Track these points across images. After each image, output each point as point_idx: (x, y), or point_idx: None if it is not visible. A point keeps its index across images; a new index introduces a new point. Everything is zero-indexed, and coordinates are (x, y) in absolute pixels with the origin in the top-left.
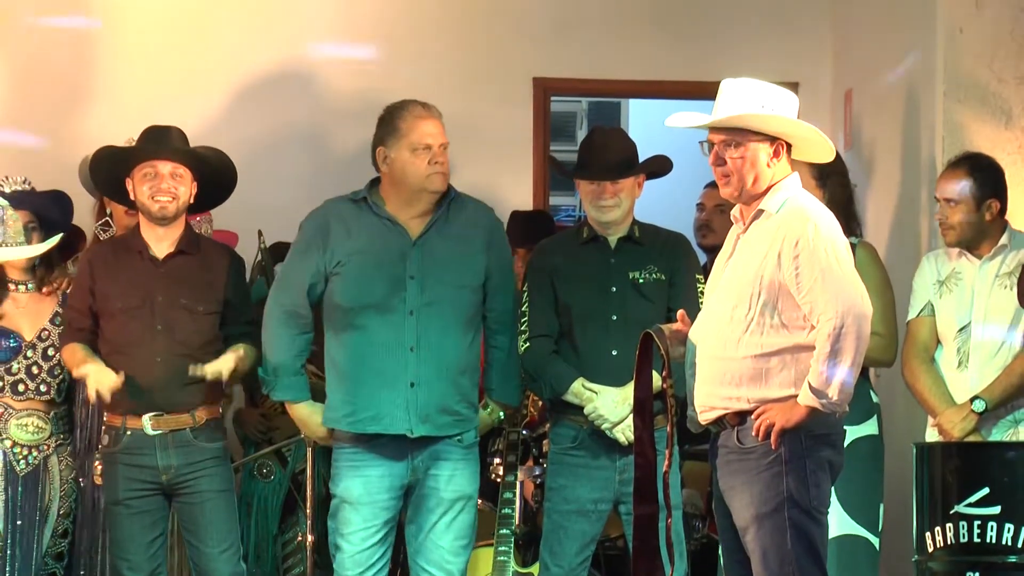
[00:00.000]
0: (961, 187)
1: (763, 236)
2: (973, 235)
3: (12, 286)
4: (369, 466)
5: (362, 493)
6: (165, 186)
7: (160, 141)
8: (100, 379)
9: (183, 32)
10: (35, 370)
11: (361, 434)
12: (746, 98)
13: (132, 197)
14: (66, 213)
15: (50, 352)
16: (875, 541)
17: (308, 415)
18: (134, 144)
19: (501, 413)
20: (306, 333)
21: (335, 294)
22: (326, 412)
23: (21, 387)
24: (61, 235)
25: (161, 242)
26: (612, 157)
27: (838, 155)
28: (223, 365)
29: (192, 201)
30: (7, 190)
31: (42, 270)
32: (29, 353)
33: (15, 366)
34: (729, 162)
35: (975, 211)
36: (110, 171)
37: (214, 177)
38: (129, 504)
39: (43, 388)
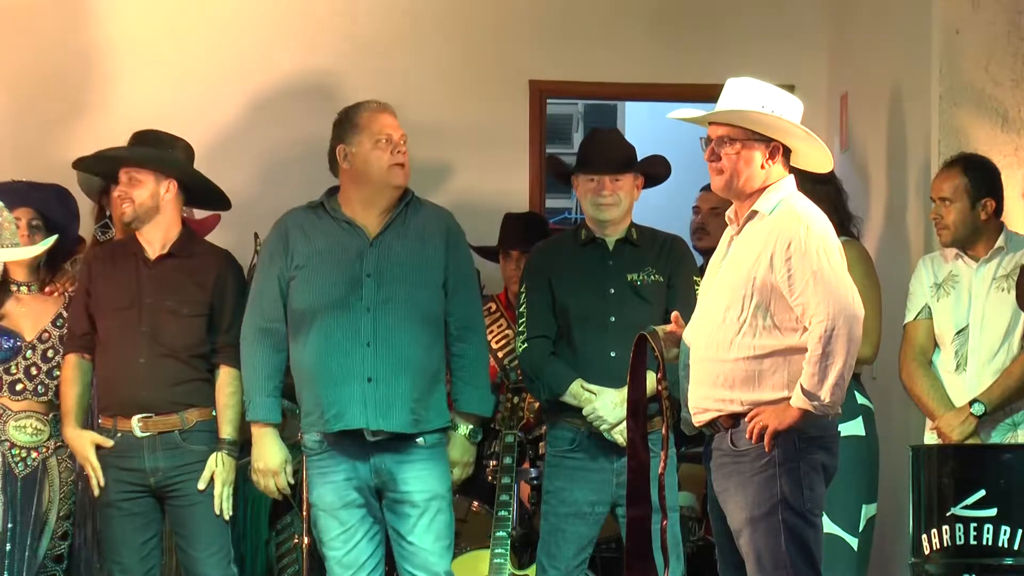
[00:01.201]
0: (956, 186)
1: (756, 238)
2: (968, 235)
3: (15, 287)
4: (335, 471)
5: (333, 499)
6: (118, 193)
7: (119, 149)
8: (86, 456)
9: (187, 37)
10: (34, 371)
11: (326, 436)
12: (747, 96)
13: None
14: (71, 212)
15: (50, 354)
16: (853, 541)
17: (270, 443)
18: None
19: (478, 431)
20: (281, 352)
21: (294, 298)
22: (302, 419)
23: (19, 387)
24: (55, 237)
25: (155, 244)
26: (612, 154)
27: None
28: (223, 501)
29: (174, 197)
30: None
31: (45, 271)
32: (28, 353)
33: (14, 367)
34: (724, 158)
35: (970, 210)
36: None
37: (194, 182)
38: (120, 506)
39: (41, 389)
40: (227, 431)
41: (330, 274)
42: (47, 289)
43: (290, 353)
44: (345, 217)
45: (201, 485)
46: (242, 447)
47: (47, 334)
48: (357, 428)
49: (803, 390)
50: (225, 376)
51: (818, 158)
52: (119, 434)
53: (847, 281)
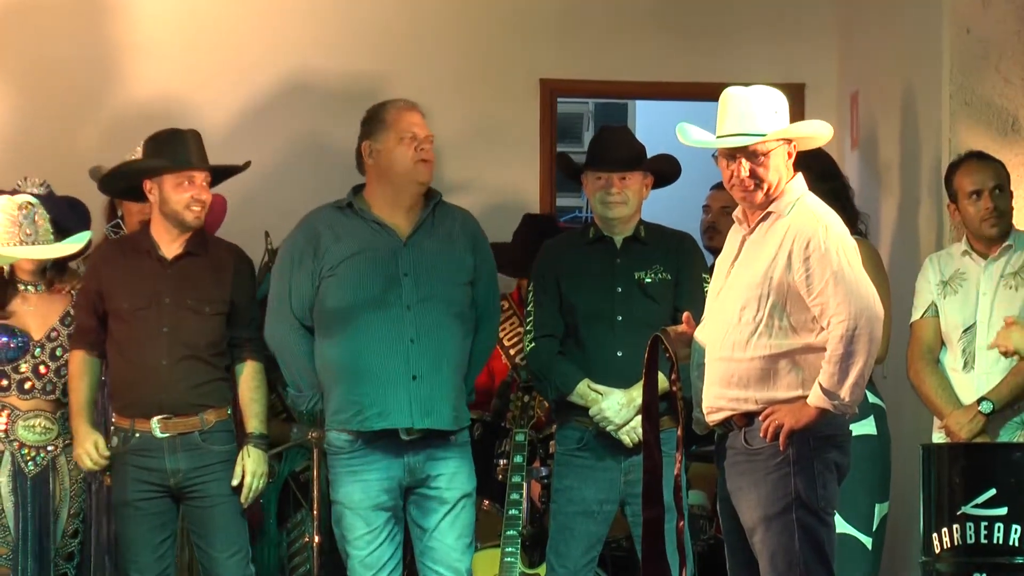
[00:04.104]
0: (1000, 174)
1: (772, 238)
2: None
3: (22, 286)
4: (366, 470)
5: (362, 498)
6: (204, 197)
7: (191, 149)
8: (88, 452)
9: (195, 36)
10: (42, 369)
11: (359, 435)
12: (761, 107)
13: (152, 198)
14: (83, 220)
15: (58, 352)
16: (867, 541)
17: None
18: (140, 153)
19: None
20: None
21: (328, 297)
22: (330, 416)
23: (27, 385)
24: (90, 233)
25: (171, 243)
26: (620, 152)
27: (824, 153)
28: (251, 492)
29: None
30: (32, 191)
31: (52, 272)
32: (37, 352)
33: (22, 365)
34: (756, 172)
35: (1010, 198)
36: (131, 175)
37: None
38: (138, 506)
39: (49, 387)
40: (254, 425)
41: (367, 273)
42: (55, 286)
43: (319, 352)
44: (374, 217)
45: (235, 481)
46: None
47: (56, 332)
48: (400, 427)
49: (822, 389)
50: (250, 370)
51: (820, 138)
52: (137, 434)
53: (867, 281)
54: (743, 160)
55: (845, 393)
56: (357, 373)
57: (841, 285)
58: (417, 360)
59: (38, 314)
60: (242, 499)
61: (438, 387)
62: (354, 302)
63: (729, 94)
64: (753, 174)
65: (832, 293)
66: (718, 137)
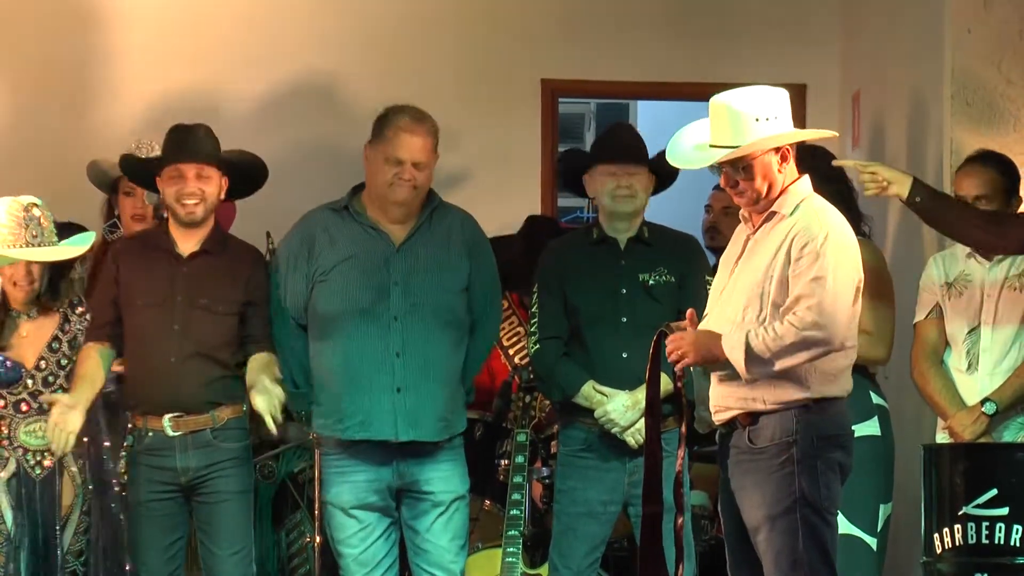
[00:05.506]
0: (992, 183)
1: (775, 237)
2: None
3: (15, 315)
4: (356, 471)
5: (351, 498)
6: (190, 189)
7: (184, 142)
8: (56, 426)
9: (196, 37)
10: (38, 394)
11: (347, 440)
12: (742, 116)
13: (162, 196)
14: (66, 223)
15: (51, 379)
16: (872, 542)
17: None
18: (138, 146)
19: None
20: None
21: (319, 302)
22: (315, 420)
23: (24, 407)
24: (94, 234)
25: (188, 240)
26: (632, 144)
27: (823, 152)
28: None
29: (223, 197)
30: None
31: (46, 296)
32: (29, 382)
33: (16, 390)
34: (742, 182)
35: (1006, 206)
36: (139, 173)
37: (244, 172)
38: (149, 506)
39: (46, 407)
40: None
41: (357, 281)
42: (47, 309)
43: (311, 354)
44: (370, 222)
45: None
46: (257, 447)
47: (44, 361)
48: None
49: (748, 345)
50: (264, 354)
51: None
52: (150, 433)
53: (846, 305)
54: (727, 172)
55: (765, 353)
56: (342, 381)
57: (820, 291)
58: (403, 373)
59: (32, 343)
60: (277, 418)
61: (424, 399)
62: (343, 310)
63: (713, 104)
64: (738, 184)
65: (807, 293)
66: (709, 146)
